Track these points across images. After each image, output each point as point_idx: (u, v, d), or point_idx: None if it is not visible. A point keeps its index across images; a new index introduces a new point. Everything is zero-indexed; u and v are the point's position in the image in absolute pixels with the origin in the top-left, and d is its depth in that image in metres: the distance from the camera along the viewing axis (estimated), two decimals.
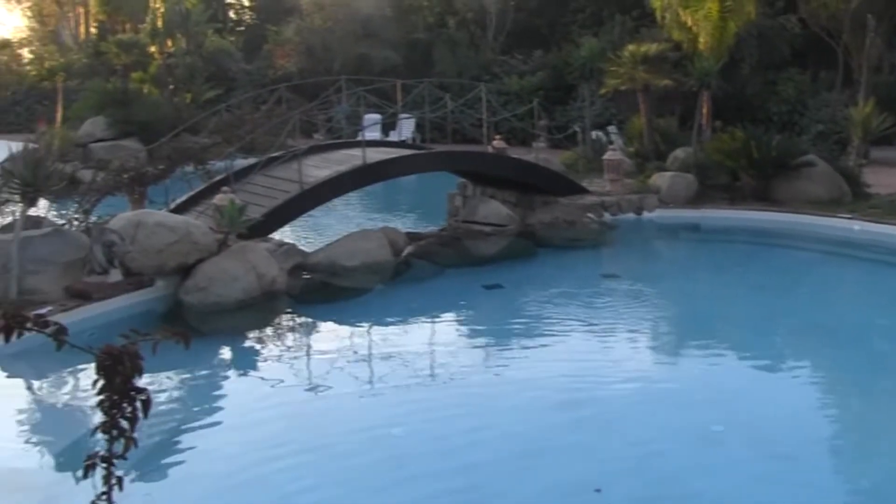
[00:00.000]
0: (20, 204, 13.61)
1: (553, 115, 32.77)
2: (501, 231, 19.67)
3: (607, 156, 22.85)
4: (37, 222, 14.71)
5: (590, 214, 20.61)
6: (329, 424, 9.55)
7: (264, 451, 8.71)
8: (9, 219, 15.50)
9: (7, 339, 3.29)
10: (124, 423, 3.38)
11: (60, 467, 8.55)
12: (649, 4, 27.60)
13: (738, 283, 16.47)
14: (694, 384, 11.01)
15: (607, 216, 20.94)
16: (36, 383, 11.25)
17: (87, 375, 9.86)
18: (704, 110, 23.65)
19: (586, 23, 37.28)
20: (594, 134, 27.87)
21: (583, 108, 29.15)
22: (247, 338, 13.11)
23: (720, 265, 18.27)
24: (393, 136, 30.96)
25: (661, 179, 22.11)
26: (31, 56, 55.12)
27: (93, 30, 51.56)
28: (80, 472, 3.71)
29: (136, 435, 3.43)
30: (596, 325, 13.58)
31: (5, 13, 62.57)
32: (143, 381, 3.46)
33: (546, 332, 13.21)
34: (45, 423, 10.05)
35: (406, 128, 32.88)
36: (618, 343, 12.76)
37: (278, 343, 12.96)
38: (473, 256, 18.56)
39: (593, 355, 12.12)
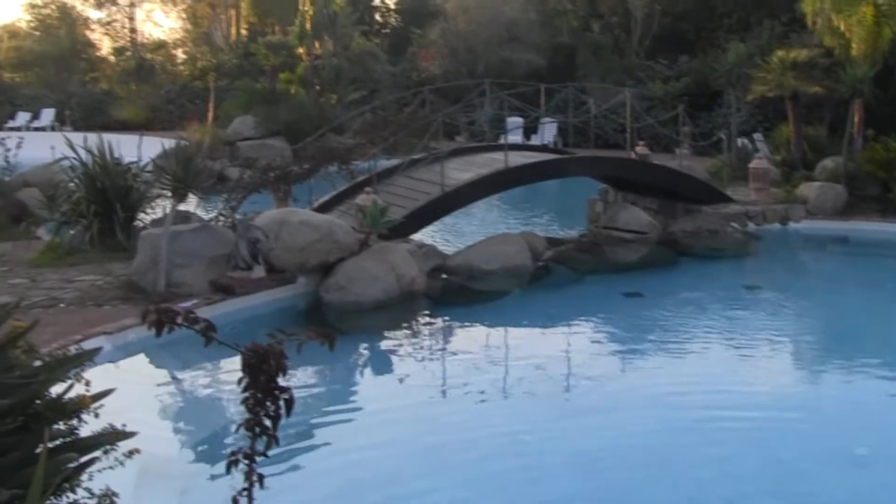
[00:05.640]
0: (171, 199, 13.98)
1: (697, 122, 32.29)
2: (642, 238, 19.43)
3: (753, 164, 22.49)
4: (185, 217, 15.12)
5: (733, 224, 20.23)
6: (462, 428, 9.51)
7: (396, 452, 8.77)
8: (159, 213, 15.97)
9: (158, 334, 3.36)
10: (267, 421, 3.41)
11: (201, 459, 8.72)
12: (800, 9, 26.86)
13: (888, 300, 15.93)
14: (837, 404, 10.62)
15: (751, 226, 20.55)
16: (180, 374, 11.50)
17: (229, 369, 10.06)
18: (856, 119, 22.97)
19: (733, 28, 36.66)
20: (739, 141, 27.38)
21: (728, 115, 28.70)
22: (384, 337, 13.17)
23: (869, 280, 17.69)
24: (535, 140, 30.94)
25: (808, 189, 21.62)
26: (184, 56, 57.10)
27: (243, 31, 53.06)
28: (220, 466, 3.77)
29: (277, 433, 3.46)
30: (736, 338, 13.25)
31: (162, 16, 65.00)
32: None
33: (685, 344, 12.98)
34: (188, 413, 10.25)
35: (548, 132, 32.87)
36: (759, 358, 12.42)
37: (415, 344, 12.99)
38: (613, 263, 18.36)
39: (732, 369, 11.80)
